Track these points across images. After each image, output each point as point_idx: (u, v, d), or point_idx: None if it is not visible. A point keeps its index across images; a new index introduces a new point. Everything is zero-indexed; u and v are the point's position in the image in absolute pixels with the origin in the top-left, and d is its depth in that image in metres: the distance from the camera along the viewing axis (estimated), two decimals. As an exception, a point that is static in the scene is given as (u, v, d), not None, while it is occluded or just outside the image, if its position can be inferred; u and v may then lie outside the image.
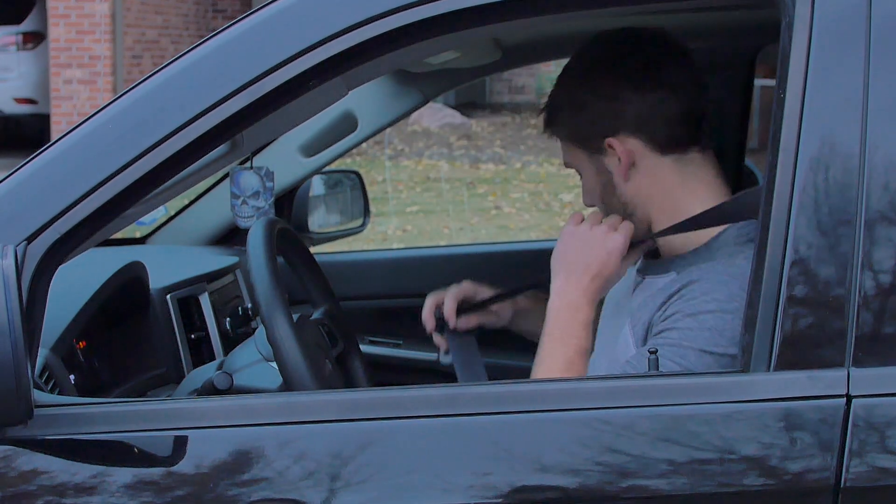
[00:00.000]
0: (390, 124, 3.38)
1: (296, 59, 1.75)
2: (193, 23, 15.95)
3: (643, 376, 1.74)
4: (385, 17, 1.74)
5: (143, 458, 1.71)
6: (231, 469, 1.66)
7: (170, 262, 3.09)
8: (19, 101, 14.82)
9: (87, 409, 1.73)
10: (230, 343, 2.92)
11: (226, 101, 1.75)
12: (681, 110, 2.07)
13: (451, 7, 1.74)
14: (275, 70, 1.75)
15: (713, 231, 2.06)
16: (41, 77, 14.49)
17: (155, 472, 1.69)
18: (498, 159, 13.23)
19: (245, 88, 1.75)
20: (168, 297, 2.82)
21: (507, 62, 3.06)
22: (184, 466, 1.69)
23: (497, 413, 1.67)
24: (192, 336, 2.88)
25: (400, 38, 1.76)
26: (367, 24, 1.74)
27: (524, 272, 3.48)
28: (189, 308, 2.90)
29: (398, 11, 1.74)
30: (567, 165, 2.20)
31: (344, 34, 1.74)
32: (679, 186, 2.09)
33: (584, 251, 2.06)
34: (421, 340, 3.50)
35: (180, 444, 1.71)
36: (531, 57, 3.16)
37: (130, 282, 2.71)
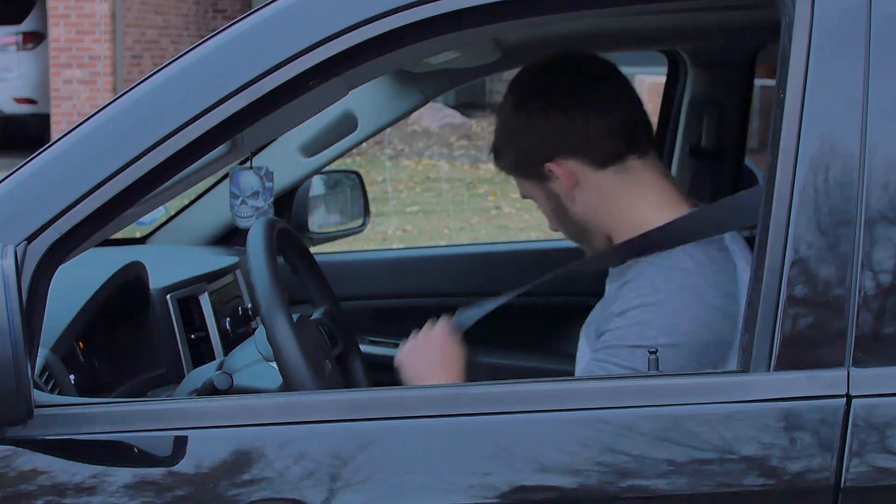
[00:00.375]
0: (390, 124, 3.39)
1: (296, 59, 1.75)
2: (193, 23, 15.95)
3: (643, 376, 1.74)
4: (385, 17, 1.74)
5: (143, 458, 1.71)
6: (231, 469, 1.66)
7: (170, 262, 3.09)
8: (19, 101, 14.82)
9: (87, 409, 1.72)
10: (230, 343, 2.92)
11: (226, 101, 1.74)
12: (612, 124, 2.14)
13: (451, 7, 1.74)
14: (275, 70, 1.75)
15: None
16: (41, 77, 14.49)
17: (155, 472, 1.69)
18: (498, 159, 13.19)
19: (245, 88, 1.75)
20: (168, 297, 2.82)
21: (507, 62, 3.06)
22: (184, 466, 1.69)
23: (497, 413, 1.67)
24: (192, 336, 2.87)
25: (400, 38, 1.76)
26: (367, 24, 1.74)
27: (524, 272, 3.49)
28: (189, 308, 2.90)
29: (398, 11, 1.74)
30: (524, 197, 2.28)
31: (344, 34, 1.74)
32: (624, 195, 2.14)
33: (424, 358, 2.23)
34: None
35: (180, 444, 1.71)
36: (531, 57, 3.15)
37: (130, 282, 2.71)
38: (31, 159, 1.79)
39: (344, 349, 2.51)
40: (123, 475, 1.68)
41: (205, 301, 2.97)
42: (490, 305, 2.37)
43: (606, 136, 2.13)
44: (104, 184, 1.73)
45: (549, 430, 1.67)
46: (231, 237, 3.43)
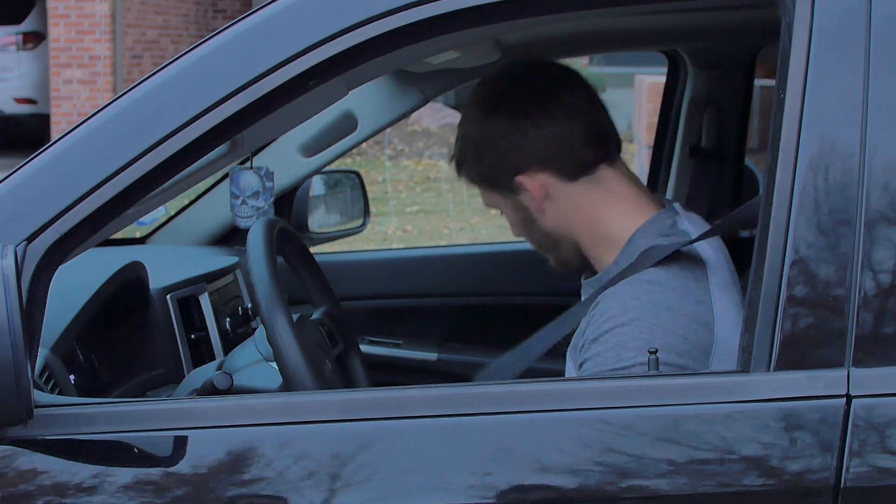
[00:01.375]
0: (390, 124, 3.39)
1: (296, 59, 1.75)
2: (193, 23, 15.96)
3: (643, 376, 1.74)
4: (385, 17, 1.74)
5: (143, 458, 1.71)
6: (231, 469, 1.66)
7: (170, 262, 3.09)
8: (19, 101, 14.83)
9: (87, 409, 1.72)
10: (230, 343, 2.92)
11: (226, 101, 1.74)
12: (582, 133, 2.08)
13: (451, 7, 1.74)
14: (275, 70, 1.74)
15: (620, 244, 2.07)
16: (41, 77, 14.49)
17: (155, 472, 1.69)
18: (498, 159, 13.19)
19: (245, 88, 1.75)
20: (168, 297, 2.82)
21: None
22: (184, 466, 1.69)
23: (497, 413, 1.67)
24: (192, 336, 2.87)
25: (400, 38, 1.76)
26: (367, 24, 1.74)
27: (524, 272, 3.49)
28: (189, 308, 2.90)
29: (398, 11, 1.74)
30: (488, 206, 2.23)
31: (344, 34, 1.74)
32: (595, 206, 2.10)
33: None
34: (421, 340, 3.51)
35: (180, 444, 1.71)
36: (531, 57, 3.15)
37: (130, 282, 2.71)
38: (31, 159, 1.79)
39: (344, 349, 2.51)
40: (123, 475, 1.68)
41: (205, 301, 2.97)
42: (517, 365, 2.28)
43: (578, 146, 2.08)
44: (104, 184, 1.73)
45: (549, 430, 1.67)
46: (231, 237, 3.43)
